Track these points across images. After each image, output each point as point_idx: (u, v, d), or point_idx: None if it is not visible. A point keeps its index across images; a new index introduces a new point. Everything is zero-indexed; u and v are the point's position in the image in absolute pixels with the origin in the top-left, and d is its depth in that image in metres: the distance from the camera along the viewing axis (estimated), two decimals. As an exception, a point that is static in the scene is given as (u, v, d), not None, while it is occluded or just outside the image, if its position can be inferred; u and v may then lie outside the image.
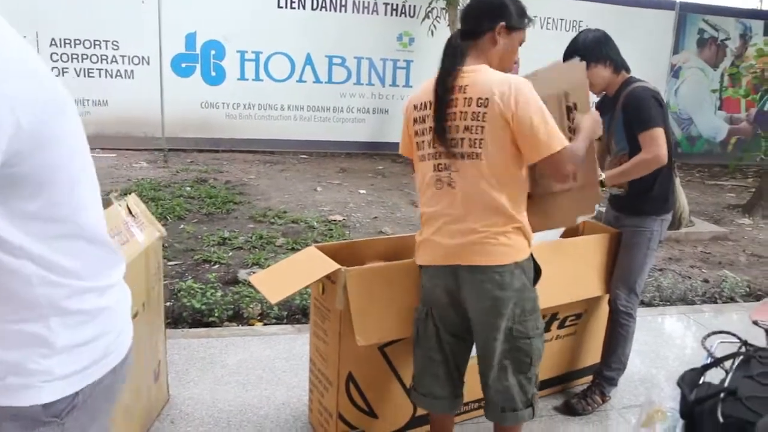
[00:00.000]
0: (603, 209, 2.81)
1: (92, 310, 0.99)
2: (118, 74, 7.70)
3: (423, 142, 1.90)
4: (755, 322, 1.79)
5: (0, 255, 0.86)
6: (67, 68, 7.50)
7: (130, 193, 2.39)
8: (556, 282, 2.41)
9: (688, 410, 1.36)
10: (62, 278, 0.93)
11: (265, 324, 3.39)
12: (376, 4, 8.37)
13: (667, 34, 9.39)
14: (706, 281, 4.57)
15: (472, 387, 2.10)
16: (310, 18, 8.14)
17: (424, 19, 7.70)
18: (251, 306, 3.46)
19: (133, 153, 7.60)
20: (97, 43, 7.55)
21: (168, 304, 3.37)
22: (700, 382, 1.44)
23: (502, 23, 1.84)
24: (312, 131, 8.47)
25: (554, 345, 2.70)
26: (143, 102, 7.70)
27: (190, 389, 2.67)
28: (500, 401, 1.96)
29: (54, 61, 7.41)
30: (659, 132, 2.36)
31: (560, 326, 2.69)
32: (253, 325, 3.37)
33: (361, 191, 6.60)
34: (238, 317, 3.43)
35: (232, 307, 3.46)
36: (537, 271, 1.95)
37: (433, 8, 7.67)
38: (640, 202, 2.53)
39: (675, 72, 9.68)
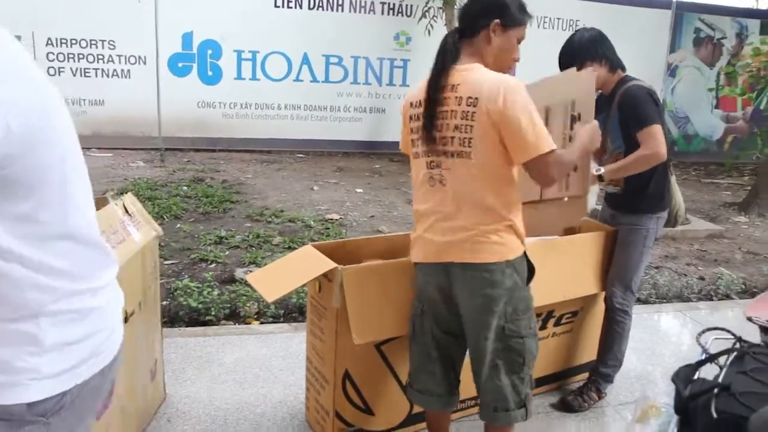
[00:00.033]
0: (599, 207, 2.82)
1: (83, 309, 0.98)
2: (115, 74, 7.68)
3: (417, 139, 1.90)
4: (749, 319, 1.79)
5: None
6: (63, 68, 7.49)
7: (126, 193, 2.39)
8: (552, 280, 2.42)
9: (683, 406, 1.37)
10: (53, 280, 0.93)
11: (261, 322, 3.40)
12: (372, 3, 8.37)
13: (663, 32, 9.41)
14: (702, 279, 4.59)
15: (468, 384, 2.10)
16: (307, 17, 8.13)
17: (421, 19, 7.70)
18: (248, 305, 3.46)
19: (129, 152, 7.59)
20: (94, 42, 7.54)
21: (165, 303, 3.37)
22: (695, 377, 1.45)
23: (497, 20, 1.82)
24: (309, 130, 8.47)
25: (551, 342, 2.70)
26: (140, 101, 7.69)
27: (186, 388, 2.67)
28: (492, 401, 1.95)
29: (50, 61, 7.40)
30: (657, 129, 2.36)
31: (557, 324, 2.70)
32: (249, 323, 3.37)
33: (358, 190, 6.60)
34: (234, 316, 3.43)
35: (229, 305, 3.46)
36: (531, 271, 1.93)
37: (430, 7, 7.67)
38: (637, 200, 2.54)
39: (672, 71, 9.70)
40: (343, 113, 8.60)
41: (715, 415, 1.27)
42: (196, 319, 3.36)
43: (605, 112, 2.52)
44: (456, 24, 1.95)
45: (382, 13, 8.44)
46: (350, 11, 8.31)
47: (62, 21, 7.34)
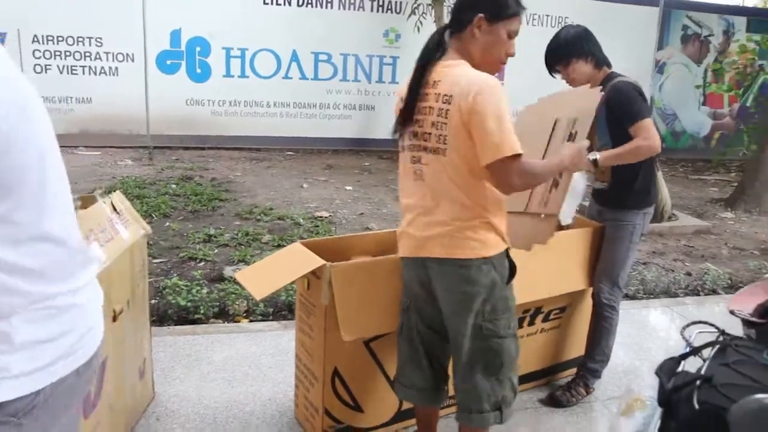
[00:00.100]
0: (587, 203, 2.84)
1: (59, 307, 0.96)
2: (102, 71, 7.63)
3: (403, 133, 1.91)
4: (732, 312, 1.82)
5: None
6: (50, 65, 7.42)
7: (114, 191, 2.38)
8: (539, 276, 2.44)
9: (666, 398, 1.38)
10: (27, 284, 0.90)
11: (250, 321, 3.39)
12: (362, 0, 8.36)
13: (651, 30, 9.46)
14: (688, 274, 4.63)
15: (456, 380, 2.11)
16: (296, 14, 8.11)
17: (410, 15, 7.71)
18: (237, 303, 3.45)
19: (117, 151, 7.54)
20: (81, 39, 7.47)
21: (153, 301, 3.36)
22: (678, 370, 1.46)
23: (481, 15, 1.75)
24: (298, 128, 8.45)
25: (539, 338, 2.72)
26: (128, 99, 7.62)
27: (175, 386, 2.66)
28: (467, 401, 1.91)
29: (37, 59, 7.34)
30: (650, 122, 2.39)
31: (544, 320, 2.71)
32: (238, 321, 3.37)
33: (348, 187, 6.60)
34: (223, 314, 3.43)
35: (218, 304, 3.45)
36: (512, 270, 1.88)
37: (419, 4, 7.67)
38: (623, 195, 2.56)
39: (659, 68, 9.77)
40: (332, 111, 8.58)
41: (697, 407, 1.29)
42: (185, 317, 3.35)
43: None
44: (446, 21, 1.95)
45: (372, 10, 8.43)
46: (339, 8, 8.29)
47: (49, 18, 7.27)
